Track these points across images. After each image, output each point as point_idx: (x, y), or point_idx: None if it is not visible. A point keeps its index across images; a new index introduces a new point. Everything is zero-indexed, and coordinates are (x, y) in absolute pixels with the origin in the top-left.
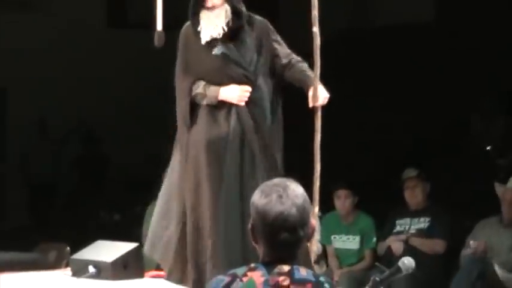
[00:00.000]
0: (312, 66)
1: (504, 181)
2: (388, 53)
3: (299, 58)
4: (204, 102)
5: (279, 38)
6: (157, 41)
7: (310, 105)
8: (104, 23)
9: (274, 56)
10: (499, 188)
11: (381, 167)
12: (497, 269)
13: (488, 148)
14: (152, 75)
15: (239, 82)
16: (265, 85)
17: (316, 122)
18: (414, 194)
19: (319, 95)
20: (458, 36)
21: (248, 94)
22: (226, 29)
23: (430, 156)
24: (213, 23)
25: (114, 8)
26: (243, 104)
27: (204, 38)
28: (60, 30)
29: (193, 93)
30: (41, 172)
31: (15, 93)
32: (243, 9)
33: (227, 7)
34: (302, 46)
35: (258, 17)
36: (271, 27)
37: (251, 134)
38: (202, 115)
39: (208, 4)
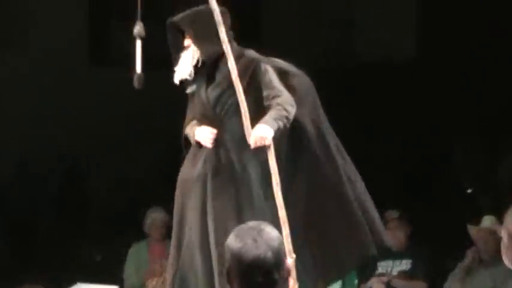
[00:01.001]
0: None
1: (477, 222)
2: (370, 89)
3: (279, 101)
4: (191, 140)
5: (268, 76)
6: (137, 83)
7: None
8: (85, 60)
9: (261, 96)
10: (471, 230)
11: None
12: None
13: (468, 191)
14: (135, 112)
15: (211, 121)
16: (238, 125)
17: (270, 162)
18: (396, 236)
19: (251, 135)
20: (441, 72)
21: (212, 136)
22: (193, 69)
23: (412, 197)
24: (184, 63)
25: (96, 45)
26: (209, 146)
27: (176, 78)
28: (40, 66)
29: (186, 131)
30: (21, 209)
31: None
32: (222, 46)
33: (194, 47)
34: None
35: (250, 53)
36: (262, 65)
37: (212, 176)
38: (189, 154)
39: (184, 44)
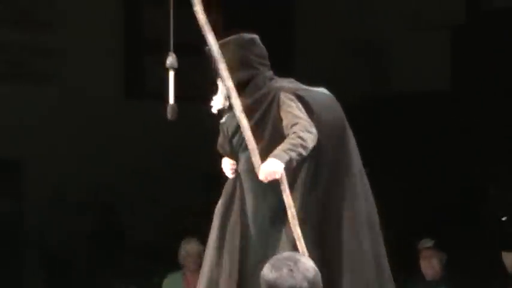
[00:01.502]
0: None
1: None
2: (405, 120)
3: (295, 129)
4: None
5: (286, 105)
6: (170, 114)
7: None
8: (122, 94)
9: (281, 126)
10: (506, 258)
11: (397, 236)
12: None
13: (503, 218)
14: (170, 143)
15: (230, 153)
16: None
17: (284, 195)
18: (431, 265)
19: (260, 170)
20: (475, 103)
21: (229, 167)
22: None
23: (447, 225)
24: (219, 93)
25: (132, 79)
26: (230, 176)
27: (214, 108)
28: (77, 100)
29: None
30: (58, 245)
31: (30, 166)
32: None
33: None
34: None
35: (272, 84)
36: (281, 95)
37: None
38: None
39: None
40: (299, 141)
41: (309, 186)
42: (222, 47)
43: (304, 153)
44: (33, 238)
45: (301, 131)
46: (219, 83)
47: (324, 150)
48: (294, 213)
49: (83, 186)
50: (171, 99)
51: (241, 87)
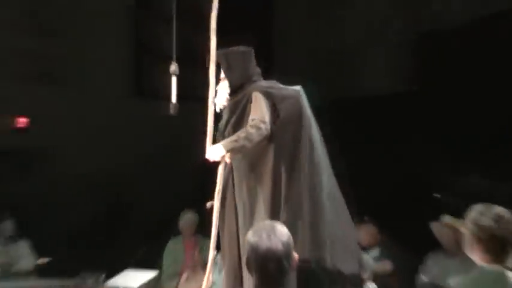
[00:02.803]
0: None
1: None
2: (368, 118)
3: (253, 124)
4: None
5: (254, 103)
6: (173, 110)
7: None
8: (133, 93)
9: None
10: (435, 227)
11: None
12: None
13: (435, 195)
14: (170, 134)
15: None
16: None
17: (219, 172)
18: (369, 232)
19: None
20: (434, 103)
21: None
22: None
23: (390, 203)
24: (221, 93)
25: (142, 81)
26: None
27: (217, 107)
28: (92, 100)
29: None
30: (78, 221)
31: (57, 155)
32: (243, 77)
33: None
34: None
35: (253, 86)
36: (253, 95)
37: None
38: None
39: (221, 76)
40: (243, 135)
41: (275, 164)
42: (228, 53)
43: (248, 144)
44: (61, 212)
45: (251, 127)
46: (220, 85)
47: (282, 136)
48: (220, 188)
49: (100, 170)
50: (174, 99)
51: (234, 89)
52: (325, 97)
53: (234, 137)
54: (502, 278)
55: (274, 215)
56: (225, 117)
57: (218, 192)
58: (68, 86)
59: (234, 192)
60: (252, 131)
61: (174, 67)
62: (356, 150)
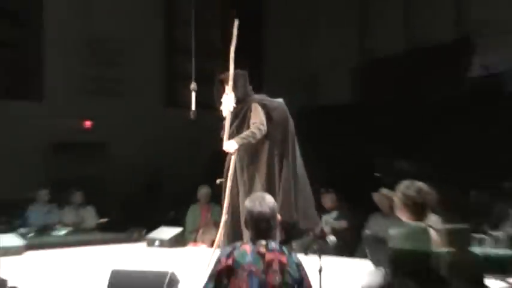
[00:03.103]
0: None
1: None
2: (329, 121)
3: (252, 126)
4: None
5: (254, 111)
6: (192, 115)
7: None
8: (163, 103)
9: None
10: (375, 196)
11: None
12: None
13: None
14: (189, 134)
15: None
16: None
17: (232, 161)
18: (326, 201)
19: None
20: (373, 112)
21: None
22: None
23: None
24: (229, 103)
25: (169, 95)
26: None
27: (224, 113)
28: (134, 108)
29: None
30: (127, 193)
31: (110, 146)
32: (244, 92)
33: (232, 94)
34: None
35: (252, 98)
36: (252, 105)
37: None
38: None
39: (226, 91)
40: (250, 134)
41: (269, 154)
42: (234, 75)
43: (252, 140)
44: (116, 186)
45: (254, 128)
46: (225, 97)
47: (274, 135)
48: (232, 172)
49: (141, 156)
50: (193, 107)
51: (238, 101)
52: (296, 105)
53: (243, 135)
54: (424, 230)
55: (268, 191)
56: (230, 120)
57: (230, 175)
58: (121, 98)
59: (236, 175)
60: (256, 131)
61: (193, 85)
62: (320, 144)
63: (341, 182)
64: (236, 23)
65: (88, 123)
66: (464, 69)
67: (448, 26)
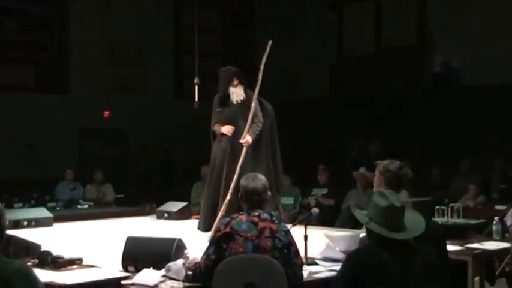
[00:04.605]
0: None
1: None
2: (305, 113)
3: (256, 120)
4: (217, 133)
5: (254, 106)
6: (196, 107)
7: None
8: (173, 96)
9: (256, 114)
10: (354, 174)
11: (307, 163)
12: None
13: (352, 155)
14: (193, 120)
15: (230, 124)
16: (243, 126)
17: (244, 149)
18: (322, 177)
19: (245, 139)
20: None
21: (232, 130)
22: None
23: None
24: (239, 94)
25: (178, 89)
26: (230, 134)
27: (235, 100)
28: (150, 100)
29: (214, 128)
30: (143, 170)
31: (130, 131)
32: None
33: (241, 86)
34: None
35: (250, 94)
36: (253, 98)
37: (231, 148)
38: (216, 139)
39: (234, 82)
40: (258, 128)
41: (264, 142)
42: (241, 72)
43: (257, 133)
44: (131, 167)
45: (258, 122)
46: (235, 88)
47: (268, 125)
48: (242, 159)
49: (154, 141)
50: (196, 99)
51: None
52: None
53: (254, 129)
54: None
55: (268, 170)
56: (235, 110)
57: (240, 167)
58: (139, 93)
59: (224, 163)
60: (260, 124)
61: (196, 80)
62: (301, 132)
63: (327, 161)
64: (270, 42)
65: (107, 113)
66: (427, 66)
67: (413, 29)
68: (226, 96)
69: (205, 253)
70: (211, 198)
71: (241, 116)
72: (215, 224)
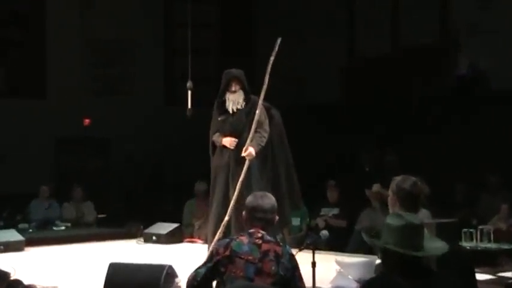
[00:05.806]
0: None
1: (370, 187)
2: (314, 118)
3: (261, 130)
4: (217, 144)
5: (259, 113)
6: (189, 114)
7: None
8: (163, 103)
9: (261, 123)
10: (368, 192)
11: (314, 178)
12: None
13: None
14: (188, 130)
15: (233, 135)
16: (244, 140)
17: (247, 163)
18: (333, 194)
19: (247, 151)
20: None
21: (235, 143)
22: (243, 105)
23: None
24: (237, 100)
25: (169, 94)
26: (232, 147)
27: (231, 109)
28: (139, 106)
29: (214, 138)
30: (129, 185)
31: (114, 141)
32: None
33: (241, 92)
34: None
35: (255, 99)
36: (258, 105)
37: (233, 164)
38: (217, 151)
39: (233, 88)
40: (262, 138)
41: (270, 152)
42: (244, 75)
43: (263, 144)
44: (115, 182)
45: (263, 132)
46: (233, 94)
47: (275, 134)
48: (245, 171)
49: (141, 152)
50: (189, 105)
51: (244, 99)
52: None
53: (257, 142)
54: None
55: (279, 187)
56: (237, 117)
57: (242, 182)
58: (122, 96)
59: (227, 176)
60: (265, 134)
61: (189, 84)
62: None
63: (338, 176)
64: (279, 40)
65: (87, 121)
66: (451, 68)
67: (435, 27)
68: (225, 102)
69: (194, 271)
70: (218, 214)
71: (246, 127)
72: (211, 246)
